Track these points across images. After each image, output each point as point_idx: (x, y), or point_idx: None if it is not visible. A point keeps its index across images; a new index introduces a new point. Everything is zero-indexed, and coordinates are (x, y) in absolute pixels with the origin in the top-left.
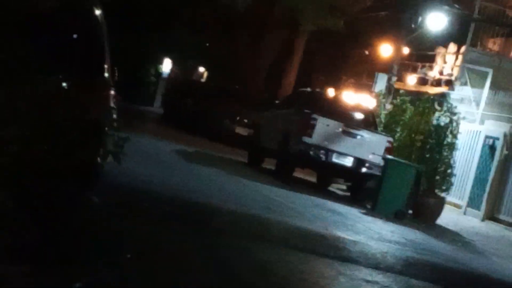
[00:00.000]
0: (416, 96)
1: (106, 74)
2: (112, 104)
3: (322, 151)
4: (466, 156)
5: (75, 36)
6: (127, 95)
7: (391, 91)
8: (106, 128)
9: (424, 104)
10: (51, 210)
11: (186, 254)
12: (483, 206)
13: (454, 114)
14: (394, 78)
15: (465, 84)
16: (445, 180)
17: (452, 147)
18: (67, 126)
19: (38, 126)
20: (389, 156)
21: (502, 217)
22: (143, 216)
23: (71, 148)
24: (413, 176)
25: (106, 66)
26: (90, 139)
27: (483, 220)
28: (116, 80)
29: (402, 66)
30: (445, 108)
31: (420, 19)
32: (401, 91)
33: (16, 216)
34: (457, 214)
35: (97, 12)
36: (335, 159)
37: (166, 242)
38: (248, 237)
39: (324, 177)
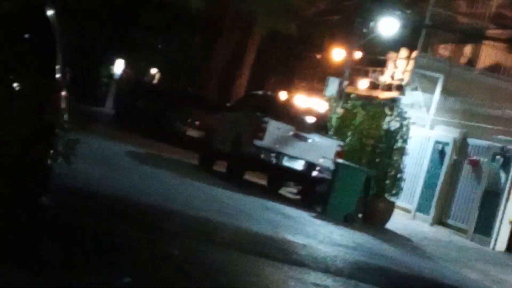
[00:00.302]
0: (367, 101)
1: (57, 75)
2: (63, 106)
3: (273, 154)
4: (416, 161)
5: (25, 36)
6: (79, 96)
7: (342, 95)
8: (57, 130)
9: (375, 108)
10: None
11: (136, 254)
12: (432, 210)
13: (405, 119)
14: (346, 82)
15: (416, 89)
16: (395, 185)
17: (402, 151)
18: (16, 128)
19: None
20: (340, 160)
21: (450, 221)
22: (93, 217)
23: (20, 150)
24: (363, 180)
25: (57, 67)
26: (40, 141)
27: (432, 224)
28: (68, 81)
29: (354, 70)
30: (395, 113)
31: (372, 24)
32: (352, 96)
33: None
34: (406, 218)
35: (49, 12)
36: (286, 162)
37: (116, 242)
38: (198, 239)
39: (275, 180)
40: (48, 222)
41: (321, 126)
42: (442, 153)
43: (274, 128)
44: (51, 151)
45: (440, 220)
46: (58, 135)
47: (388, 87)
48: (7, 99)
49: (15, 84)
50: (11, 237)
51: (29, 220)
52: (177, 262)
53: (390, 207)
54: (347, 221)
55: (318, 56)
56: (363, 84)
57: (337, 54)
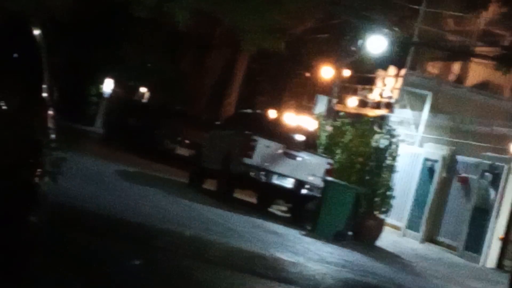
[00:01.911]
0: (356, 119)
1: (44, 94)
2: (50, 124)
3: (262, 172)
4: (405, 179)
5: (12, 56)
6: (68, 115)
7: (331, 113)
8: (44, 149)
9: (364, 126)
10: None
11: (127, 271)
12: (422, 228)
13: (394, 136)
14: (335, 100)
15: (405, 106)
16: (385, 202)
17: (391, 169)
18: (3, 146)
19: None
20: (329, 178)
21: (440, 239)
22: (82, 235)
23: (7, 169)
24: (353, 198)
25: (44, 86)
26: (27, 160)
27: (422, 242)
28: (55, 99)
29: (343, 88)
30: (384, 131)
31: (360, 42)
32: (341, 113)
33: None
34: (396, 236)
35: (36, 32)
36: (275, 180)
37: (107, 260)
38: (188, 257)
39: (265, 198)
40: (36, 240)
41: (311, 144)
42: (431, 171)
43: (264, 146)
44: (38, 170)
45: (430, 237)
46: (45, 154)
47: (377, 105)
48: None
49: (1, 103)
50: None
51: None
52: (166, 280)
53: (380, 225)
54: (337, 238)
55: (307, 74)
56: (352, 102)
57: (326, 72)
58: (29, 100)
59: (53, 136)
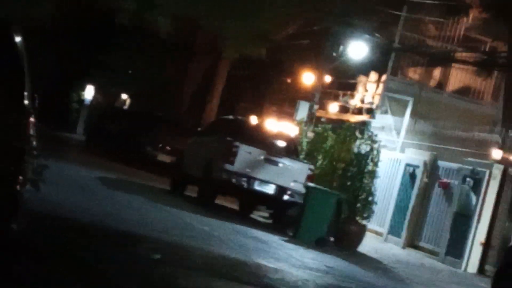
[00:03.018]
0: (338, 124)
1: (26, 101)
2: (31, 132)
3: (244, 179)
4: (387, 184)
5: None
6: (49, 122)
7: (312, 119)
8: (25, 156)
9: (346, 132)
10: None
11: (108, 278)
12: (404, 233)
13: (375, 142)
14: (316, 106)
15: (386, 112)
16: (366, 208)
17: (373, 175)
18: None
19: None
20: (311, 184)
21: (422, 244)
22: (61, 242)
23: None
24: (334, 203)
25: (26, 93)
26: (9, 167)
27: (404, 247)
28: (37, 107)
29: (324, 94)
30: (366, 136)
31: (341, 48)
32: (322, 119)
33: None
34: (378, 241)
35: (17, 39)
36: (257, 186)
37: (90, 266)
38: (168, 264)
39: (246, 204)
40: (18, 246)
41: (292, 150)
42: (413, 176)
43: (245, 153)
44: (20, 178)
45: (412, 243)
46: (26, 161)
47: (358, 111)
48: None
49: None
50: None
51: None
52: (148, 287)
53: (361, 230)
54: (318, 244)
55: (288, 80)
56: (333, 108)
57: (307, 78)
58: (10, 107)
59: (34, 143)
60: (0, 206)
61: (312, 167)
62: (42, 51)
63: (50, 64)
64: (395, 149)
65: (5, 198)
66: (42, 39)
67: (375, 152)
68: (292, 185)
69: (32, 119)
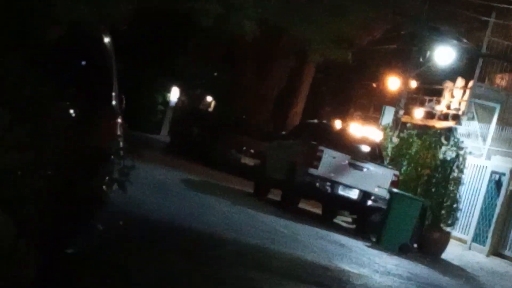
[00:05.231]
0: (423, 130)
1: (113, 102)
2: (119, 132)
3: (328, 183)
4: (472, 191)
5: (83, 63)
6: (135, 123)
7: (398, 124)
8: (112, 156)
9: (431, 138)
10: (55, 239)
11: (190, 283)
12: (489, 241)
13: (461, 148)
14: (401, 112)
15: (472, 119)
16: (451, 215)
17: (458, 181)
18: (73, 154)
19: (45, 153)
20: (395, 190)
21: (507, 252)
22: (147, 244)
23: (77, 176)
24: (418, 210)
25: (113, 94)
26: (96, 167)
27: (488, 255)
28: (124, 108)
29: (410, 99)
30: (451, 143)
31: (428, 53)
32: (408, 125)
33: (17, 245)
34: (462, 249)
35: (106, 39)
36: (341, 191)
37: (171, 271)
38: (251, 267)
39: (330, 209)
40: (103, 246)
41: (377, 155)
42: (498, 183)
43: (329, 157)
44: (107, 178)
45: (496, 251)
46: (113, 161)
47: (444, 117)
48: (64, 125)
49: (71, 111)
50: (67, 264)
51: (87, 243)
52: None
53: (445, 238)
54: (402, 251)
55: (374, 85)
56: (419, 113)
57: (393, 83)
58: (99, 108)
59: (121, 144)
60: (86, 206)
61: (396, 172)
62: (128, 53)
63: (136, 66)
64: (481, 156)
65: (91, 198)
66: (126, 40)
67: (460, 158)
68: (376, 190)
69: (119, 120)
